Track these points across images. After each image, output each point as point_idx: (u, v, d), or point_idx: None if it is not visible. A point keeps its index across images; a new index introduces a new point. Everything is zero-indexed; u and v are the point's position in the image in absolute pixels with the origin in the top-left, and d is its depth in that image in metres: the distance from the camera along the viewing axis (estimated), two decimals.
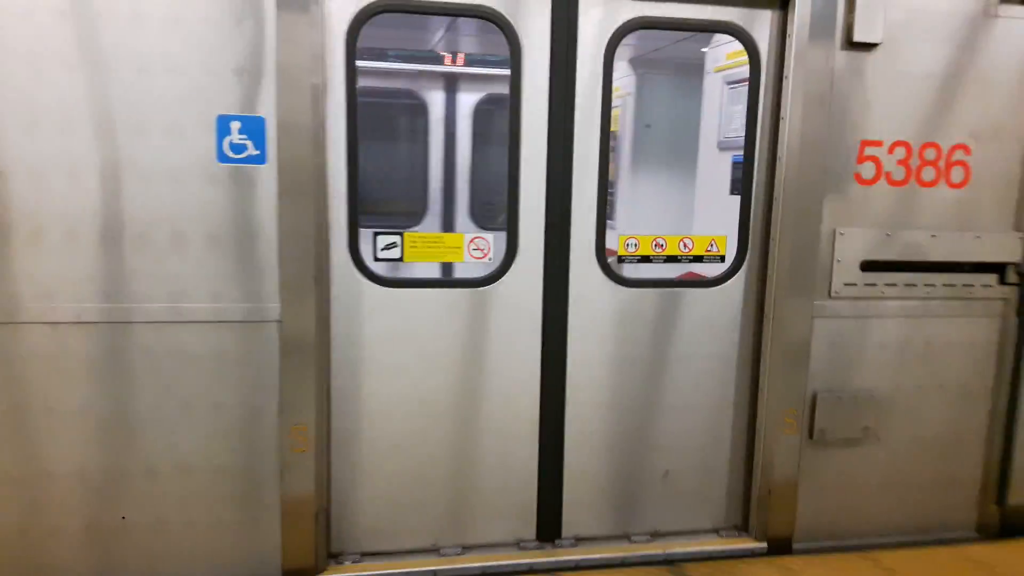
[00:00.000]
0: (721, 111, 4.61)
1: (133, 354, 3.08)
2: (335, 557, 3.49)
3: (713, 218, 3.66)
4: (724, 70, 4.52)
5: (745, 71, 3.67)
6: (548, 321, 3.52)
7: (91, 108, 2.93)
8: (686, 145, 5.36)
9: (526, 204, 3.42)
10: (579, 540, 3.71)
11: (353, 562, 3.47)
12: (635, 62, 5.69)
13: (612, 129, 5.92)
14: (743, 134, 4.30)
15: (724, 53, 3.66)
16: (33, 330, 3.00)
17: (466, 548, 3.60)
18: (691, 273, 4.11)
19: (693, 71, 5.28)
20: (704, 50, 5.39)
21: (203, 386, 3.15)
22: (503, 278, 3.45)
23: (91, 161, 2.95)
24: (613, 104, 3.96)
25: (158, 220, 3.02)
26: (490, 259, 3.45)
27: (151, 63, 2.95)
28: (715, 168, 4.56)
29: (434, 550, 3.58)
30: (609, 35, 3.41)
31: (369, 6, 3.18)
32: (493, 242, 3.44)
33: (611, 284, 3.56)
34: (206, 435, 3.18)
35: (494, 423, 3.56)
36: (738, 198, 3.96)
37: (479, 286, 3.45)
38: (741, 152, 4.38)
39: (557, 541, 3.69)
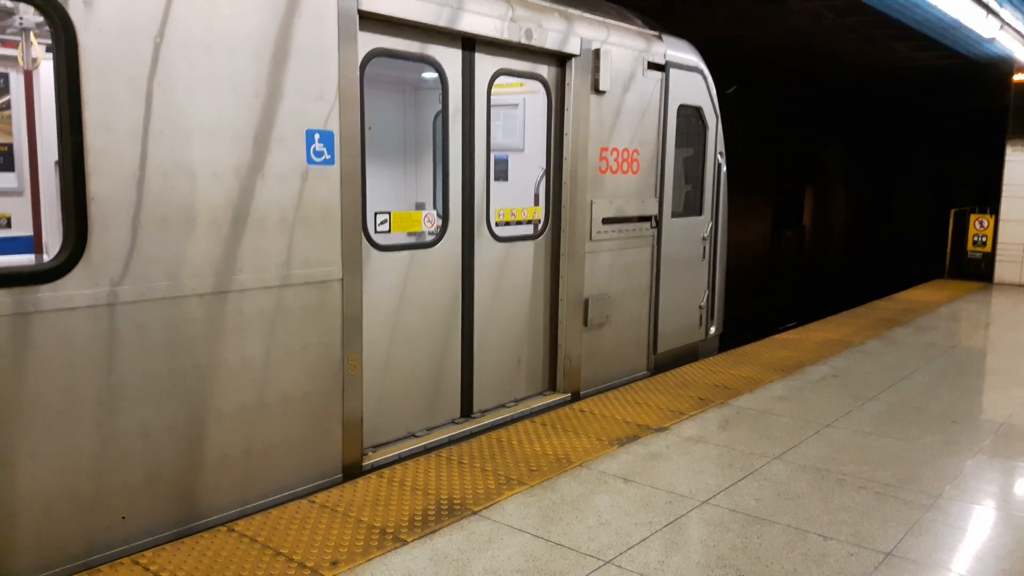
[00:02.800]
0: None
1: (253, 314, 3.96)
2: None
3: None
4: None
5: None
6: (464, 265, 5.28)
7: (230, 123, 3.75)
8: (417, 143, 7.28)
9: (452, 195, 5.12)
10: (483, 412, 5.55)
11: (372, 452, 4.77)
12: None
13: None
14: (500, 142, 6.57)
15: None
16: (188, 302, 3.69)
17: (428, 429, 5.17)
18: None
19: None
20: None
21: (297, 333, 4.16)
22: (442, 240, 5.10)
23: (228, 164, 3.77)
24: None
25: (271, 209, 3.96)
26: (435, 227, 5.07)
27: (262, 88, 3.88)
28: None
29: (411, 436, 5.06)
30: (488, 77, 5.28)
31: (372, 51, 4.52)
32: (435, 217, 5.08)
33: (492, 240, 5.46)
34: (299, 369, 4.19)
35: (439, 337, 5.18)
36: (502, 183, 6.21)
37: (430, 247, 5.04)
38: (502, 152, 6.66)
39: (472, 415, 5.48)
